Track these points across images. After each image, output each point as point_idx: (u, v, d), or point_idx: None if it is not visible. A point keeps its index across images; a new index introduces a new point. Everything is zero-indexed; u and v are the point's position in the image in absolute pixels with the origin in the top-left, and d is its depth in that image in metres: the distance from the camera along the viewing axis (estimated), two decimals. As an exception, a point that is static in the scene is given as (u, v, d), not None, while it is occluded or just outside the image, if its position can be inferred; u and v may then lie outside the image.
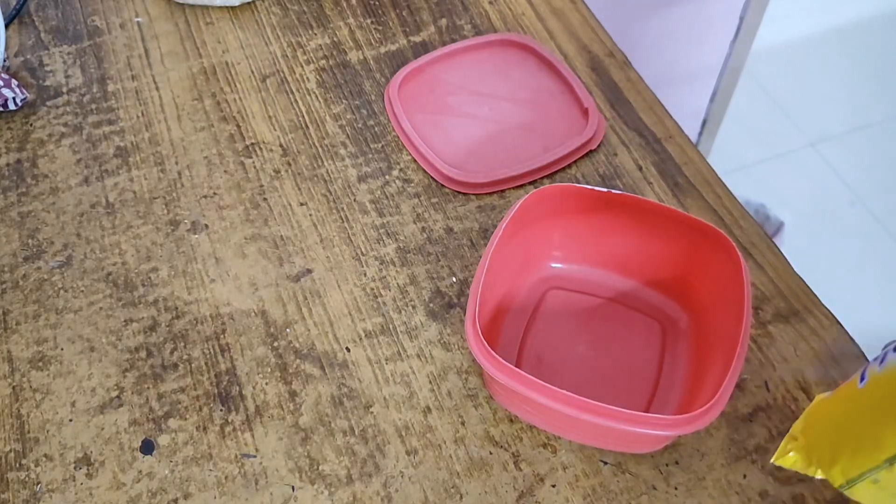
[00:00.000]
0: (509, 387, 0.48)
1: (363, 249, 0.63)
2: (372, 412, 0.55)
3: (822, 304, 0.61)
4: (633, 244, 0.59)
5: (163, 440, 0.54)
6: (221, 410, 0.55)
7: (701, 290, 0.57)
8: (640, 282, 0.60)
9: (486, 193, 0.66)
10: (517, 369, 0.48)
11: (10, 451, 0.53)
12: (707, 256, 0.56)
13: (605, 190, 0.57)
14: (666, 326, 0.59)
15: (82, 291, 0.60)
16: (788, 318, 0.60)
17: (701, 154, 0.69)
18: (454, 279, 0.61)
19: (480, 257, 0.62)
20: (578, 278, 0.61)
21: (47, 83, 0.73)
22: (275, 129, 0.70)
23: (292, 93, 0.73)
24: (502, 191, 0.66)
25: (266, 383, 0.56)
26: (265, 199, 0.66)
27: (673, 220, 0.57)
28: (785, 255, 0.63)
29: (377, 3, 0.80)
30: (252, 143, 0.69)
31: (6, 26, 0.76)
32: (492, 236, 0.54)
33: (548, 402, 0.48)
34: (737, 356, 0.49)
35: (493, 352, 0.49)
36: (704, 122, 1.56)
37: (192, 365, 0.57)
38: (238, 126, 0.70)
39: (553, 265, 0.61)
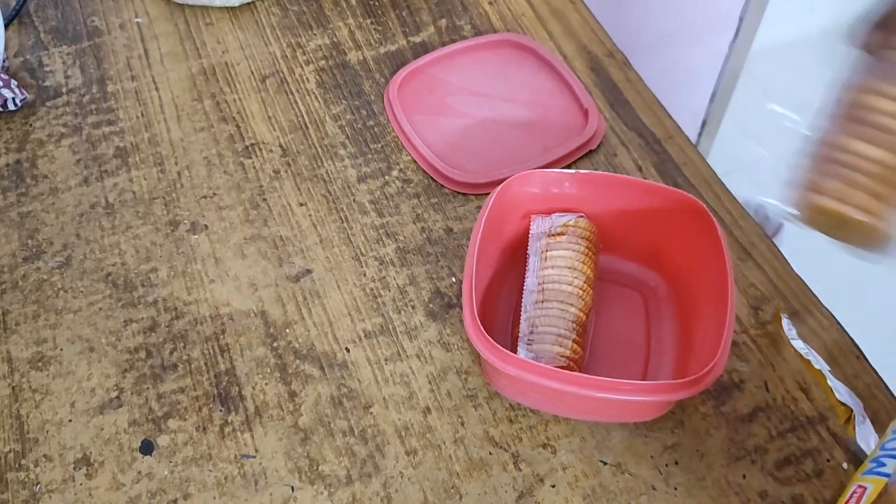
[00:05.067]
0: (514, 375, 0.49)
1: (363, 250, 0.63)
2: (371, 412, 0.55)
3: (822, 304, 0.61)
4: (607, 220, 0.60)
5: (162, 441, 0.54)
6: (221, 411, 0.55)
7: (677, 256, 0.59)
8: (617, 256, 0.61)
9: (486, 194, 0.66)
10: (520, 357, 0.49)
11: (10, 451, 0.53)
12: (680, 223, 0.57)
13: (571, 172, 0.58)
14: (647, 295, 0.60)
15: (82, 292, 0.60)
16: (788, 318, 0.60)
17: (700, 154, 0.69)
18: (454, 279, 0.61)
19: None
20: None
21: (47, 83, 0.73)
22: (274, 130, 0.70)
23: (292, 93, 0.73)
24: (502, 191, 0.66)
25: (266, 384, 0.56)
26: (265, 199, 0.66)
27: (643, 192, 0.58)
28: (785, 255, 0.63)
29: (377, 3, 0.80)
30: (252, 144, 0.69)
31: (6, 26, 0.76)
32: (472, 232, 0.55)
33: (555, 384, 0.49)
34: (728, 316, 0.50)
35: (492, 340, 0.49)
36: (704, 123, 1.56)
37: (192, 365, 0.57)
38: (238, 126, 0.70)
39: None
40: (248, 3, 0.80)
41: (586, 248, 0.57)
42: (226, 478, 0.53)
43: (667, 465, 0.53)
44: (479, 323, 0.50)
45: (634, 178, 0.58)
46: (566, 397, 0.52)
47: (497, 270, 0.59)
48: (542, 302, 0.55)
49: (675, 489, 0.52)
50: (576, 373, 0.49)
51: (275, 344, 0.58)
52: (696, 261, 0.57)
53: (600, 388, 0.48)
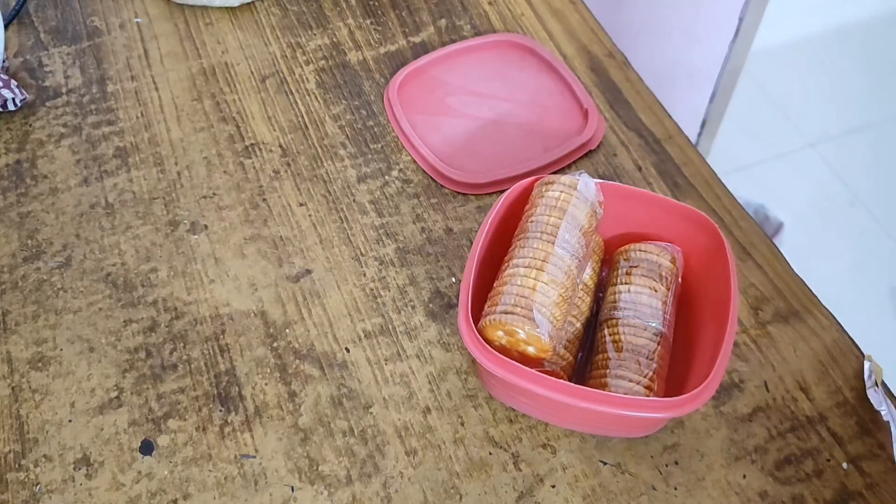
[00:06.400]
0: (506, 379, 0.48)
1: (362, 250, 0.63)
2: (371, 413, 0.55)
3: (822, 304, 0.61)
4: (618, 230, 0.59)
5: (162, 441, 0.54)
6: (221, 411, 0.55)
7: (686, 271, 0.57)
8: None
9: (486, 194, 0.66)
10: (510, 360, 0.49)
11: (10, 451, 0.53)
12: (690, 238, 0.56)
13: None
14: None
15: (81, 292, 0.60)
16: (788, 318, 0.60)
17: (700, 154, 0.69)
18: (453, 279, 0.61)
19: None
20: None
21: (47, 84, 0.73)
22: (274, 130, 0.70)
23: (292, 93, 0.73)
24: (502, 191, 0.66)
25: (265, 384, 0.56)
26: (264, 199, 0.66)
27: (655, 205, 0.57)
28: (785, 255, 0.63)
29: (377, 3, 0.80)
30: (251, 144, 0.69)
31: (6, 27, 0.76)
32: (479, 230, 0.54)
33: (541, 390, 0.48)
34: (727, 335, 0.49)
35: (483, 341, 0.49)
36: (704, 123, 1.56)
37: (192, 365, 0.57)
38: (237, 126, 0.70)
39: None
40: (248, 3, 0.80)
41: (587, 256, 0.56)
42: (226, 478, 0.53)
43: (667, 465, 0.53)
44: (472, 322, 0.50)
45: (648, 192, 0.57)
46: (553, 405, 0.52)
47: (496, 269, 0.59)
48: None
49: (675, 489, 0.52)
50: (561, 381, 0.48)
51: (275, 344, 0.58)
52: (702, 276, 0.56)
53: (584, 398, 0.48)
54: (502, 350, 0.50)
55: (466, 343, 0.50)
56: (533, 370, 0.48)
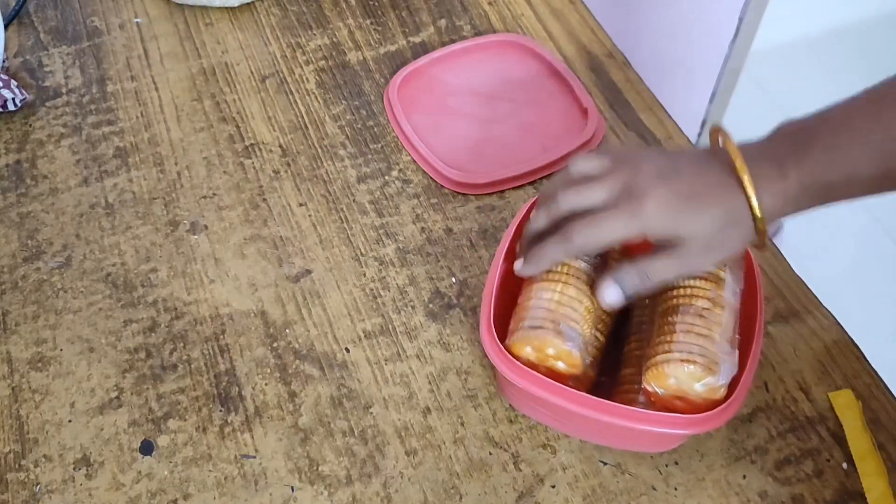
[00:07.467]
0: (529, 391, 0.48)
1: (362, 250, 0.63)
2: (371, 413, 0.55)
3: (822, 305, 0.61)
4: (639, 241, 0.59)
5: (162, 441, 0.54)
6: (221, 411, 0.55)
7: None
8: None
9: (486, 194, 0.66)
10: (534, 372, 0.48)
11: (10, 451, 0.53)
12: None
13: None
14: None
15: (81, 292, 0.60)
16: (788, 318, 0.60)
17: (700, 154, 0.69)
18: (453, 279, 0.61)
19: (480, 258, 0.62)
20: None
21: (46, 84, 0.73)
22: (274, 130, 0.70)
23: (292, 93, 0.73)
24: (502, 191, 0.66)
25: (265, 384, 0.56)
26: (264, 199, 0.66)
27: None
28: (785, 255, 0.63)
29: (377, 3, 0.80)
30: (251, 144, 0.69)
31: (6, 27, 0.76)
32: (501, 242, 0.54)
33: (567, 404, 0.48)
34: (752, 354, 0.49)
35: (509, 356, 0.49)
36: (704, 123, 1.56)
37: (192, 365, 0.57)
38: (237, 127, 0.70)
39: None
40: (248, 4, 0.80)
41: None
42: (226, 478, 0.53)
43: (667, 465, 0.53)
44: (495, 332, 0.50)
45: None
46: (570, 416, 0.51)
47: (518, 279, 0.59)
48: None
49: (675, 489, 0.52)
50: (583, 393, 0.48)
51: (275, 344, 0.58)
52: None
53: (604, 412, 0.47)
54: (530, 365, 0.50)
55: (492, 358, 0.49)
56: (568, 387, 0.48)
